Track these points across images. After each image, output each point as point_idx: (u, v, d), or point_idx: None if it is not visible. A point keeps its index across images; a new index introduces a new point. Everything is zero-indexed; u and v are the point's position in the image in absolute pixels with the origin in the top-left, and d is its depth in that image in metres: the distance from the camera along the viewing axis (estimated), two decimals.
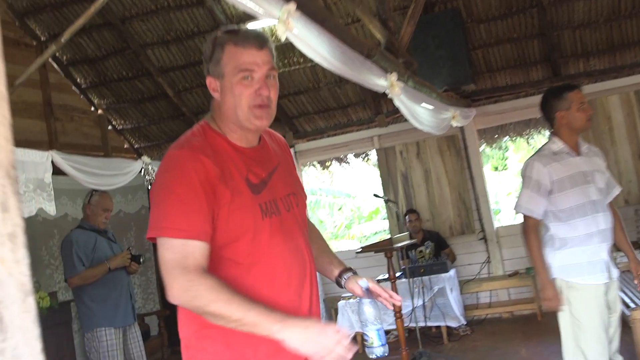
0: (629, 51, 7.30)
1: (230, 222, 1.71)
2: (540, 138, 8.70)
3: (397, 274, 5.98)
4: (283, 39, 2.54)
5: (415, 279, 6.33)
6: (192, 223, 1.65)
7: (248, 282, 1.73)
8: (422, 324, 6.31)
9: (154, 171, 4.90)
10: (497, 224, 7.74)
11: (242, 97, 1.75)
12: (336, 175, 8.89)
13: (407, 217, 7.29)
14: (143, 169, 4.83)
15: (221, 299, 1.58)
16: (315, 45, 2.77)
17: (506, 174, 13.99)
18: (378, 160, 8.01)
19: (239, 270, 1.74)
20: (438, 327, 6.60)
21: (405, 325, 5.68)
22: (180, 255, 1.62)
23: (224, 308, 1.57)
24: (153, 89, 7.97)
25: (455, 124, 6.01)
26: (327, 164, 8.60)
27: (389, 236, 7.05)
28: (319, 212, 14.13)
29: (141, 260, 4.65)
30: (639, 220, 6.84)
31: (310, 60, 7.58)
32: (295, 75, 7.77)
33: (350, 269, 2.01)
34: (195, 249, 1.64)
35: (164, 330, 7.43)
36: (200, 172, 1.68)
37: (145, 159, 4.90)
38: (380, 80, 3.66)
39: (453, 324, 6.51)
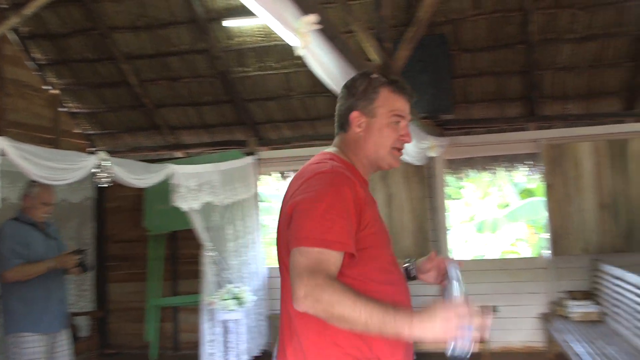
0: (605, 100, 7.28)
1: (369, 242, 1.74)
2: (504, 175, 8.62)
3: None
4: (297, 53, 2.23)
5: None
6: (346, 236, 1.66)
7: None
8: None
9: (109, 169, 4.48)
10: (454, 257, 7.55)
11: (389, 139, 1.88)
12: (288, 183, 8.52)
13: None
14: (98, 166, 4.40)
15: (346, 299, 1.53)
16: (326, 63, 2.47)
17: (459, 203, 13.96)
18: None
19: (372, 287, 1.73)
20: None
21: None
22: (313, 262, 1.60)
23: (348, 309, 1.52)
24: (115, 75, 7.51)
25: (432, 154, 5.79)
26: (287, 175, 8.28)
27: None
28: (265, 218, 13.78)
29: (87, 268, 4.23)
30: (593, 270, 6.79)
31: (286, 67, 7.38)
32: (268, 81, 7.45)
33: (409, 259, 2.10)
34: (331, 258, 1.62)
35: (95, 332, 6.96)
36: (353, 193, 1.72)
37: (103, 155, 4.46)
38: None
39: None
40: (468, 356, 1.52)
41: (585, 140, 7.10)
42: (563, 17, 6.68)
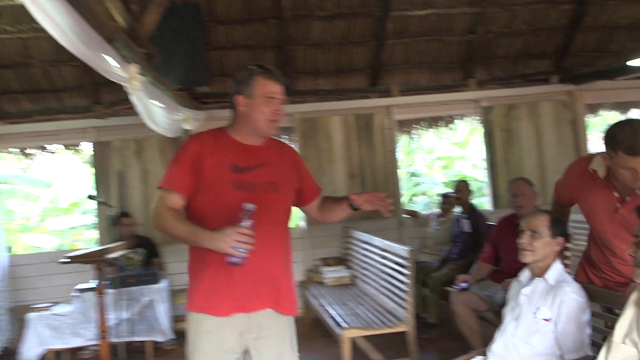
0: (353, 76, 7.68)
1: (209, 185, 2.49)
2: None
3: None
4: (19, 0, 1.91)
5: (122, 289, 5.78)
6: (177, 180, 2.50)
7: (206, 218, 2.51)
8: (127, 339, 5.80)
9: None
10: None
11: (264, 114, 2.52)
12: (36, 163, 7.81)
13: (119, 220, 6.64)
14: None
15: (170, 222, 2.44)
16: (55, 16, 2.17)
17: None
18: (93, 155, 7.20)
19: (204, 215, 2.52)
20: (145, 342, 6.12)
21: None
22: (158, 197, 2.51)
23: (172, 229, 2.43)
24: None
25: (186, 126, 5.61)
26: (29, 152, 7.50)
27: (96, 239, 6.35)
28: (9, 202, 12.49)
29: None
30: (345, 237, 7.21)
31: (23, 31, 6.62)
32: (2, 46, 6.63)
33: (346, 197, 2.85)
34: (173, 197, 2.49)
35: None
36: (198, 148, 2.51)
37: None
38: (120, 71, 3.12)
39: (160, 338, 6.10)
40: (239, 263, 2.31)
41: (335, 114, 7.46)
42: None
